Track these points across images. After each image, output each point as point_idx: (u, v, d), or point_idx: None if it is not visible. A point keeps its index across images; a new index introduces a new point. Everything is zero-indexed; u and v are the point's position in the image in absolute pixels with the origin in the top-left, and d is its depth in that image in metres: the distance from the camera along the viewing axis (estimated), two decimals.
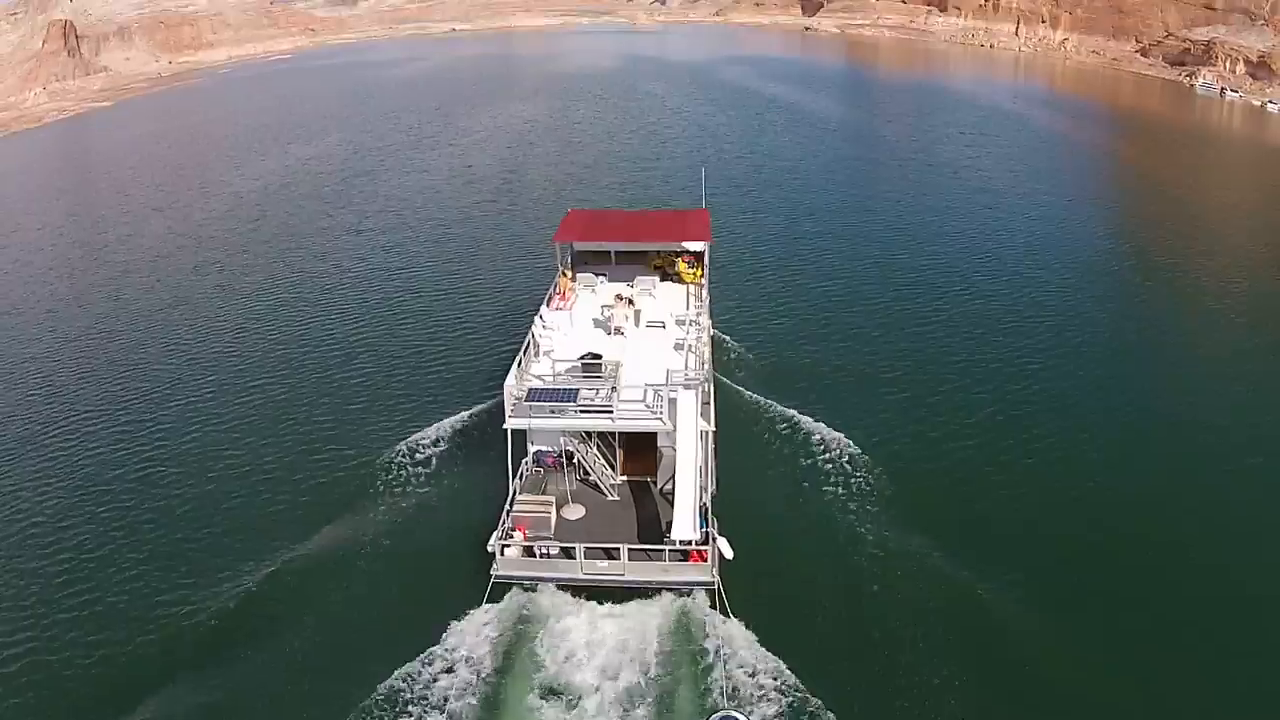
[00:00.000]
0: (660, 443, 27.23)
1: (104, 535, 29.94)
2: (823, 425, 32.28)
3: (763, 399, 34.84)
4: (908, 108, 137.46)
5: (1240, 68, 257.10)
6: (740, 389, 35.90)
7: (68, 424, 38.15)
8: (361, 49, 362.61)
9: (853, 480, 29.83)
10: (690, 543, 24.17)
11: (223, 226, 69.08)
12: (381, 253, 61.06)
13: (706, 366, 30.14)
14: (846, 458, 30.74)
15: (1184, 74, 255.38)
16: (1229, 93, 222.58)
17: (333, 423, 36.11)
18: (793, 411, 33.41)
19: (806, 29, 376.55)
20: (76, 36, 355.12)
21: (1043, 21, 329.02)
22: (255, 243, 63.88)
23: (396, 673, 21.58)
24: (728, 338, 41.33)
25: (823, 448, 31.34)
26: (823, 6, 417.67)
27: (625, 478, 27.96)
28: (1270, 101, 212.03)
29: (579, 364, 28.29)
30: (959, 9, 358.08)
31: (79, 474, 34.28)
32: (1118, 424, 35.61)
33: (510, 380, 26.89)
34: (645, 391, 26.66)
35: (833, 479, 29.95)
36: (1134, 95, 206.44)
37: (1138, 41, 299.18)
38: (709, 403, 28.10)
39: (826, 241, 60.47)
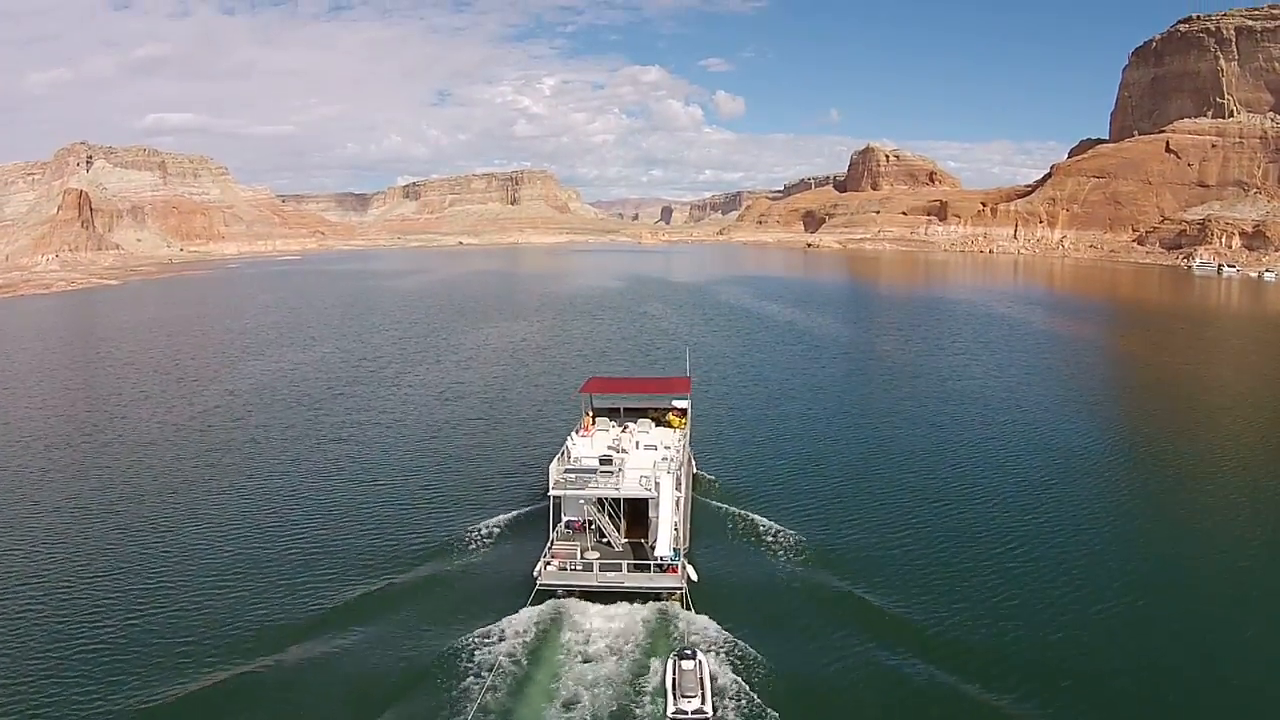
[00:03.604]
0: (651, 513, 41.96)
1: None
2: (767, 519, 48.06)
3: (727, 506, 50.01)
4: (903, 321, 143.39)
5: (1236, 241, 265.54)
6: (711, 501, 50.82)
7: (45, 576, 43.59)
8: (368, 256, 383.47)
9: (784, 548, 44.87)
10: (666, 558, 38.84)
11: (207, 422, 75.25)
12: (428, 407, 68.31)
13: (684, 469, 46.73)
14: (782, 535, 46.29)
15: (1181, 257, 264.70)
16: (1226, 269, 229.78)
17: (422, 505, 52.86)
18: (747, 511, 49.47)
19: (808, 245, 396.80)
20: (91, 209, 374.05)
21: (1041, 222, 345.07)
22: (240, 441, 69.06)
23: (472, 635, 35.75)
24: (707, 474, 55.62)
25: (766, 529, 46.95)
26: (824, 222, 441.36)
27: (626, 540, 42.73)
28: (1266, 271, 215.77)
29: (597, 459, 44.62)
30: (959, 217, 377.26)
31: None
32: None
33: (553, 465, 43.94)
34: (639, 476, 42.99)
35: (770, 545, 45.39)
36: (1132, 284, 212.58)
37: (1134, 231, 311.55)
38: (682, 484, 44.72)
39: (796, 427, 70.77)
